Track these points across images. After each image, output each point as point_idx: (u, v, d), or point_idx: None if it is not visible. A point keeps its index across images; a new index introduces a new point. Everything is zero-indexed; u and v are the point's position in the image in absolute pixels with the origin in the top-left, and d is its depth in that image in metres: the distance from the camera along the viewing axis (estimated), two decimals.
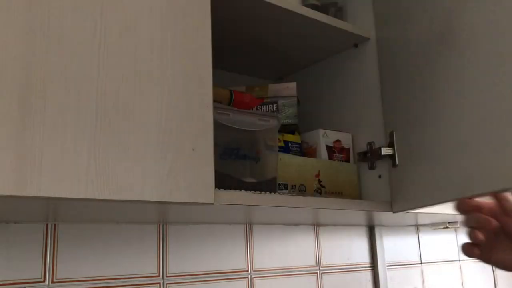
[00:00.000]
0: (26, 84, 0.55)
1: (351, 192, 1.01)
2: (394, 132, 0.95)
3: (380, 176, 1.00)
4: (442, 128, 0.87)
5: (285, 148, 0.98)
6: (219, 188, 0.73)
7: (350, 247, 1.27)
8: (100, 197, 0.58)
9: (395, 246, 1.38)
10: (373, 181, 1.02)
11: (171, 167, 0.65)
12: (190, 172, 0.66)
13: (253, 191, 0.75)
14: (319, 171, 0.96)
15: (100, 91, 0.61)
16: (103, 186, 0.58)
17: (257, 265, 1.08)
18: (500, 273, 1.62)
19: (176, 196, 0.64)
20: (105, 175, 0.59)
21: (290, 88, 1.04)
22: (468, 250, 0.74)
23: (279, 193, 0.81)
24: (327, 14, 1.03)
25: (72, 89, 0.59)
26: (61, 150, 0.57)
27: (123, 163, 0.61)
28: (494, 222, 0.72)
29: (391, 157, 0.96)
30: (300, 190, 0.92)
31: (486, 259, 0.74)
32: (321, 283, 1.18)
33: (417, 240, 1.45)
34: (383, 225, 1.33)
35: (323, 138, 1.03)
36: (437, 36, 0.90)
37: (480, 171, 0.80)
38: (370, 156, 1.02)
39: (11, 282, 0.78)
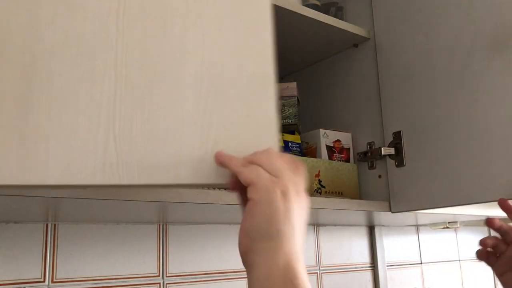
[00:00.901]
0: (31, 56, 0.48)
1: (351, 192, 1.01)
2: (401, 132, 0.95)
3: (380, 176, 1.00)
4: (451, 133, 0.87)
5: (285, 148, 0.98)
6: (219, 189, 0.73)
7: (350, 247, 1.27)
8: (122, 183, 0.49)
9: (395, 246, 1.37)
10: (373, 181, 1.02)
11: (216, 142, 0.53)
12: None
13: None
14: (319, 171, 0.96)
15: (119, 56, 0.51)
16: (125, 169, 0.49)
17: None
18: None
19: (219, 178, 0.52)
20: (128, 156, 0.49)
21: (290, 88, 1.04)
22: (481, 255, 0.75)
23: None
24: (327, 14, 1.03)
25: (85, 57, 0.50)
26: (72, 129, 0.48)
27: (152, 140, 0.51)
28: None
29: (394, 157, 0.96)
30: None
31: (497, 272, 0.75)
32: (321, 283, 1.18)
33: (417, 240, 1.44)
34: (383, 225, 1.33)
35: (323, 138, 1.03)
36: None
37: (485, 180, 0.81)
38: (370, 156, 1.02)
39: (11, 282, 0.78)
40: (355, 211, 0.92)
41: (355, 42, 1.08)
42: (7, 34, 0.48)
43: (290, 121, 1.02)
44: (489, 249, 0.75)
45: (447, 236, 1.54)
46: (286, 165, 0.48)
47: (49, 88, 0.49)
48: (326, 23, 0.98)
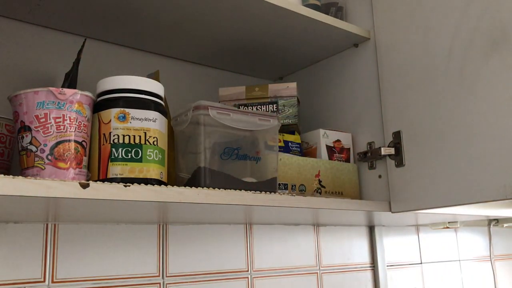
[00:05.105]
0: None
1: (351, 192, 1.01)
2: (401, 132, 0.95)
3: (380, 176, 1.00)
4: (451, 133, 0.87)
5: (285, 148, 0.98)
6: (219, 188, 0.73)
7: (350, 247, 1.27)
8: None
9: (395, 246, 1.38)
10: (373, 181, 1.02)
11: None
12: None
13: (253, 191, 0.75)
14: (319, 171, 0.96)
15: None
16: None
17: (257, 265, 1.08)
18: (500, 273, 1.62)
19: None
20: None
21: (290, 88, 1.04)
22: None
23: (279, 193, 0.81)
24: (327, 14, 1.03)
25: None
26: None
27: None
28: None
29: (394, 157, 0.96)
30: (300, 190, 0.92)
31: None
32: (321, 283, 1.18)
33: (417, 240, 1.45)
34: (383, 225, 1.33)
35: (323, 138, 1.03)
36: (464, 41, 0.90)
37: (485, 180, 0.81)
38: (370, 156, 1.02)
39: (11, 282, 0.78)
40: (355, 211, 0.92)
41: (355, 42, 1.08)
42: None
43: (290, 121, 1.02)
44: None
45: (447, 236, 1.54)
46: None
47: None
48: (326, 23, 0.98)
